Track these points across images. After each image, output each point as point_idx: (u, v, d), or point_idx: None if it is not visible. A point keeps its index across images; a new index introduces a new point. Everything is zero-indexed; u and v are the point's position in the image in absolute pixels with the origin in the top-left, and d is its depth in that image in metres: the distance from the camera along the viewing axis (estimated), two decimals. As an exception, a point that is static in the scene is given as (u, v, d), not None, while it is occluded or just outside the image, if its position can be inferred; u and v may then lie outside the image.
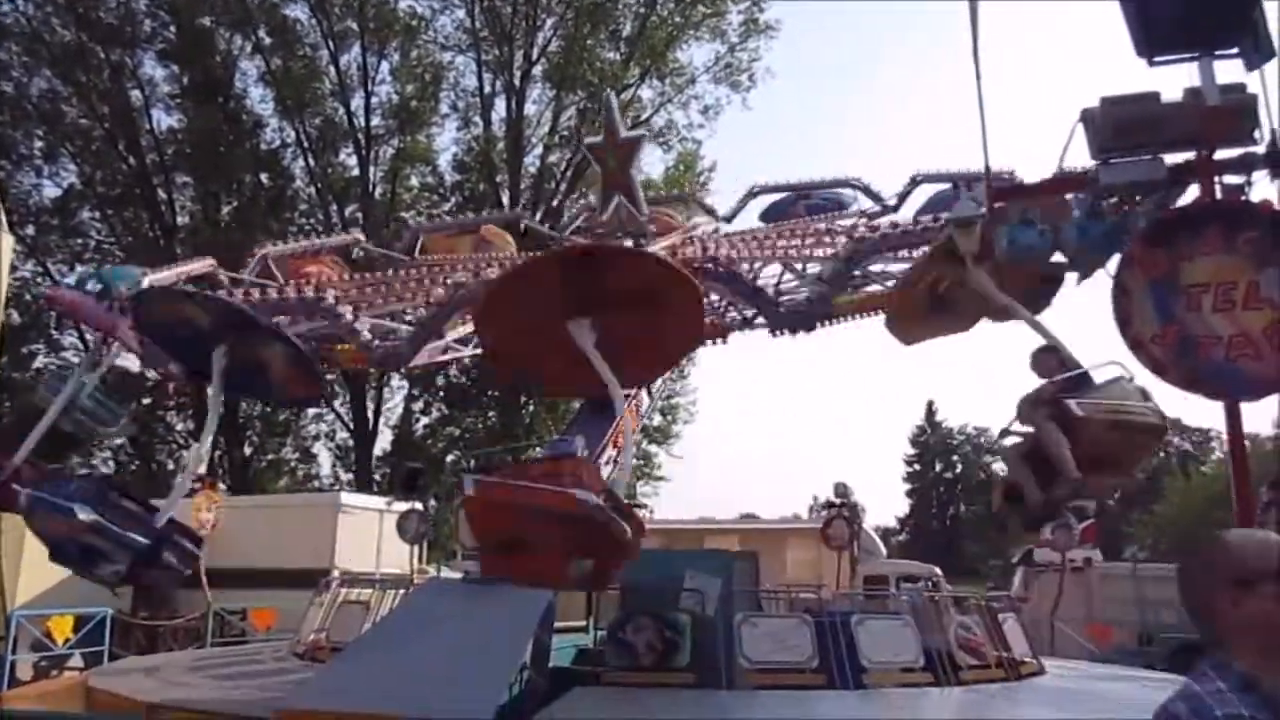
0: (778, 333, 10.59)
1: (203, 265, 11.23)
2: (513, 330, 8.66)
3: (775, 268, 11.69)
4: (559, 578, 7.96)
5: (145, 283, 9.76)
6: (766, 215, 14.54)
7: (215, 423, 9.50)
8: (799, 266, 11.43)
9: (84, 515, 7.75)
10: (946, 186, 12.80)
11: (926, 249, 8.72)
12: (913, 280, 8.90)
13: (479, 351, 11.92)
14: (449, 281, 10.80)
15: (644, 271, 8.03)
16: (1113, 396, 6.89)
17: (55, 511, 7.93)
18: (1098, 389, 7.01)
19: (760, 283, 10.55)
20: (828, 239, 11.29)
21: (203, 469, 18.72)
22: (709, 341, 12.19)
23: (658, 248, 12.16)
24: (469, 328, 11.42)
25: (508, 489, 7.39)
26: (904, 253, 10.43)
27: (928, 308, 8.78)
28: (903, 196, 12.80)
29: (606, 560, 7.54)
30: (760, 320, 11.34)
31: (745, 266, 10.62)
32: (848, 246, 10.19)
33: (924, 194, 13.02)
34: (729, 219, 13.50)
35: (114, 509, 8.14)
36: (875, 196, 13.37)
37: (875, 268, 11.00)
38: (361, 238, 14.00)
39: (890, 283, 10.72)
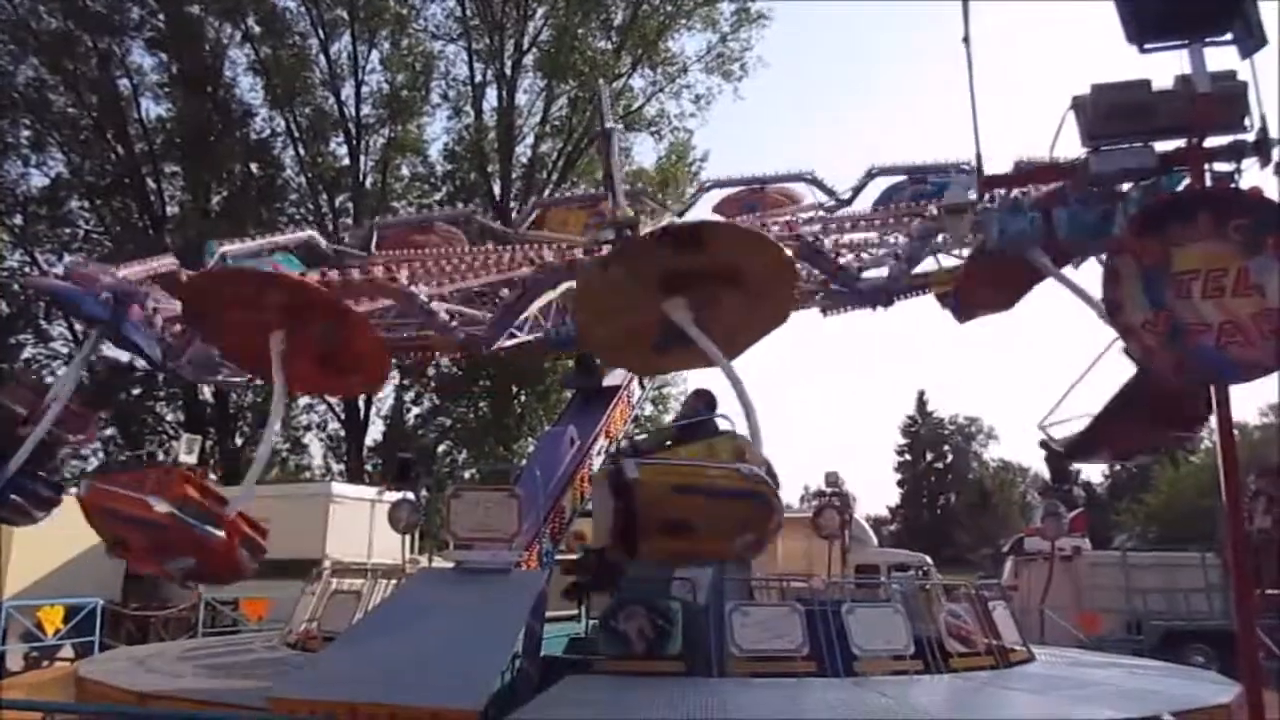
0: (830, 312, 10.70)
1: (166, 263, 11.04)
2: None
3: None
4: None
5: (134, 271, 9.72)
6: (719, 209, 14.71)
7: (281, 411, 9.26)
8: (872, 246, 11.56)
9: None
10: (901, 179, 12.91)
11: None
12: (580, 297, 8.89)
13: (534, 336, 11.80)
14: (538, 261, 10.69)
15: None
16: (699, 456, 7.01)
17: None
18: (685, 445, 7.13)
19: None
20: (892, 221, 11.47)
21: (193, 459, 18.67)
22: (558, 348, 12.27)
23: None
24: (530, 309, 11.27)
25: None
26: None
27: (631, 339, 8.78)
28: (857, 190, 12.88)
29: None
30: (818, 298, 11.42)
31: (828, 244, 10.67)
32: (920, 226, 10.30)
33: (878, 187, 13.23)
34: (848, 200, 13.53)
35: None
36: (828, 190, 13.46)
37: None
38: (316, 234, 13.81)
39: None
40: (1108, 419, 7.54)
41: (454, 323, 10.26)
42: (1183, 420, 7.55)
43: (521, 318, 10.99)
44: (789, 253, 8.06)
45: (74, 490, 9.36)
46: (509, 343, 11.26)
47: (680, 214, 13.79)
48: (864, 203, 13.47)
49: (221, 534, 7.90)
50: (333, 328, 8.54)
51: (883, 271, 10.44)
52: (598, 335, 9.02)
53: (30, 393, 9.76)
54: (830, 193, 14.05)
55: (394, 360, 11.62)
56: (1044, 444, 8.03)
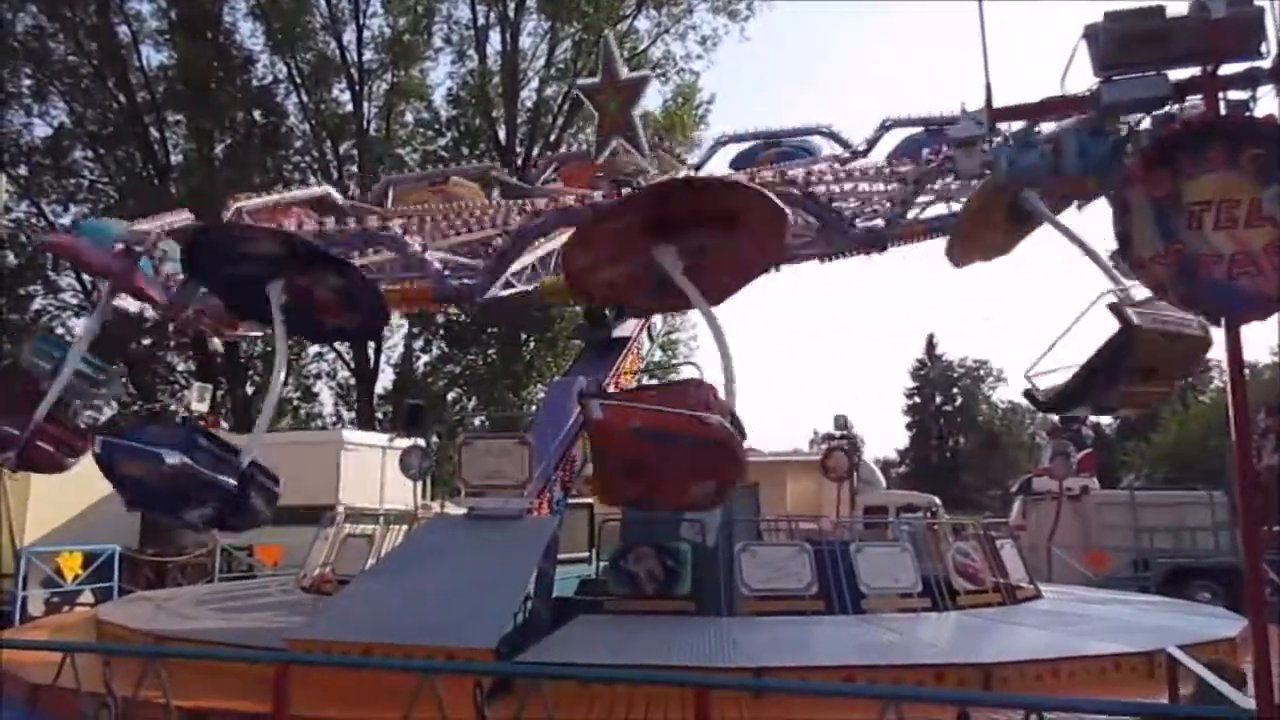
0: (826, 260, 10.69)
1: (181, 218, 11.09)
2: (599, 259, 8.47)
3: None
4: (683, 500, 8.04)
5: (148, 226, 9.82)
6: (735, 164, 14.53)
7: (284, 360, 9.34)
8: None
9: (172, 460, 7.62)
10: (918, 130, 12.75)
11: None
12: (973, 206, 8.93)
13: (530, 287, 11.81)
14: (527, 210, 10.79)
15: (734, 197, 7.90)
16: (1162, 308, 6.98)
17: (139, 458, 7.79)
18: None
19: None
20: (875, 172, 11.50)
21: (205, 408, 18.80)
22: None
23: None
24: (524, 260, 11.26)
25: (639, 413, 7.29)
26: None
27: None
28: (872, 142, 12.74)
29: (726, 481, 7.48)
30: (812, 249, 11.37)
31: (821, 190, 10.65)
32: (914, 171, 10.25)
33: (895, 139, 13.06)
34: (864, 152, 13.42)
35: (201, 452, 8.03)
36: (843, 143, 13.32)
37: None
38: (331, 189, 13.79)
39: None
40: (1090, 373, 7.59)
41: (446, 272, 10.30)
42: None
43: (521, 267, 11.02)
44: (778, 200, 7.99)
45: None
46: (504, 292, 11.26)
47: (696, 168, 13.61)
48: (881, 155, 13.36)
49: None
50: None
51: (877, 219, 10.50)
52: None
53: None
54: (845, 145, 13.92)
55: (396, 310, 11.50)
56: (1028, 394, 8.07)
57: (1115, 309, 7.05)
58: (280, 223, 11.88)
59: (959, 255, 9.44)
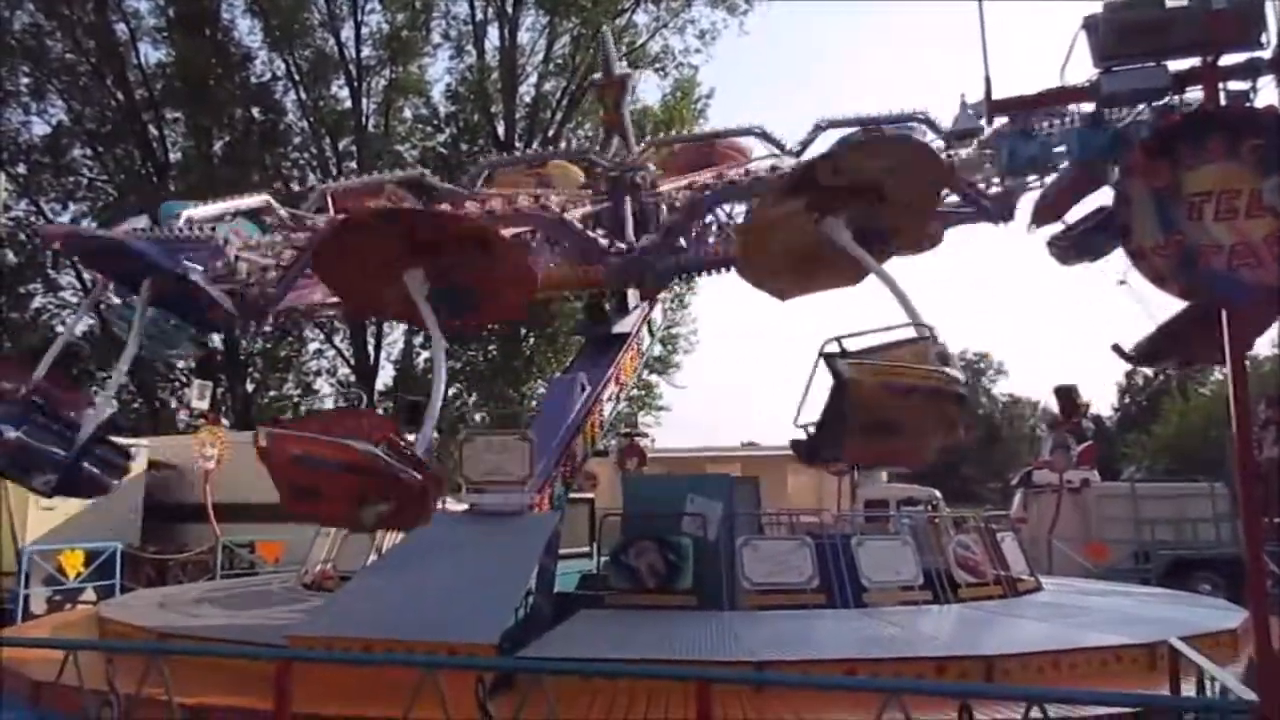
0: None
1: (257, 200, 11.38)
2: (355, 276, 8.79)
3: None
4: (351, 522, 8.32)
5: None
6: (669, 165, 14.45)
7: (442, 349, 8.90)
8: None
9: (10, 434, 8.26)
10: (853, 130, 12.69)
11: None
12: (754, 225, 8.78)
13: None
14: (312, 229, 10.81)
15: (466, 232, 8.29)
16: (900, 359, 7.02)
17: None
18: (882, 349, 7.14)
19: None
20: None
21: (205, 405, 18.80)
22: (715, 270, 12.23)
23: (670, 186, 12.08)
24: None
25: (296, 440, 7.56)
26: None
27: (788, 262, 8.65)
28: (805, 143, 12.65)
29: (401, 505, 7.54)
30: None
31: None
32: (689, 196, 10.18)
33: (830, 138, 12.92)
34: (797, 153, 13.33)
35: (37, 427, 8.58)
36: (777, 144, 13.17)
37: None
38: (270, 200, 13.65)
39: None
40: (1175, 327, 7.57)
41: (612, 249, 10.10)
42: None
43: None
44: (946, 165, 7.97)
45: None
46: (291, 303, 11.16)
47: (797, 154, 13.43)
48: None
49: (419, 476, 7.70)
50: (475, 259, 8.39)
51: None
52: (758, 262, 8.97)
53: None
54: (780, 146, 13.78)
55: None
56: (1115, 347, 8.03)
57: (828, 360, 7.01)
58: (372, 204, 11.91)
59: (763, 284, 9.15)
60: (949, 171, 7.94)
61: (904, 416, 7.20)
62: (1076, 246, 8.37)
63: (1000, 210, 10.24)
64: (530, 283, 9.16)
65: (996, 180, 10.13)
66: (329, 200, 13.22)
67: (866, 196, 7.84)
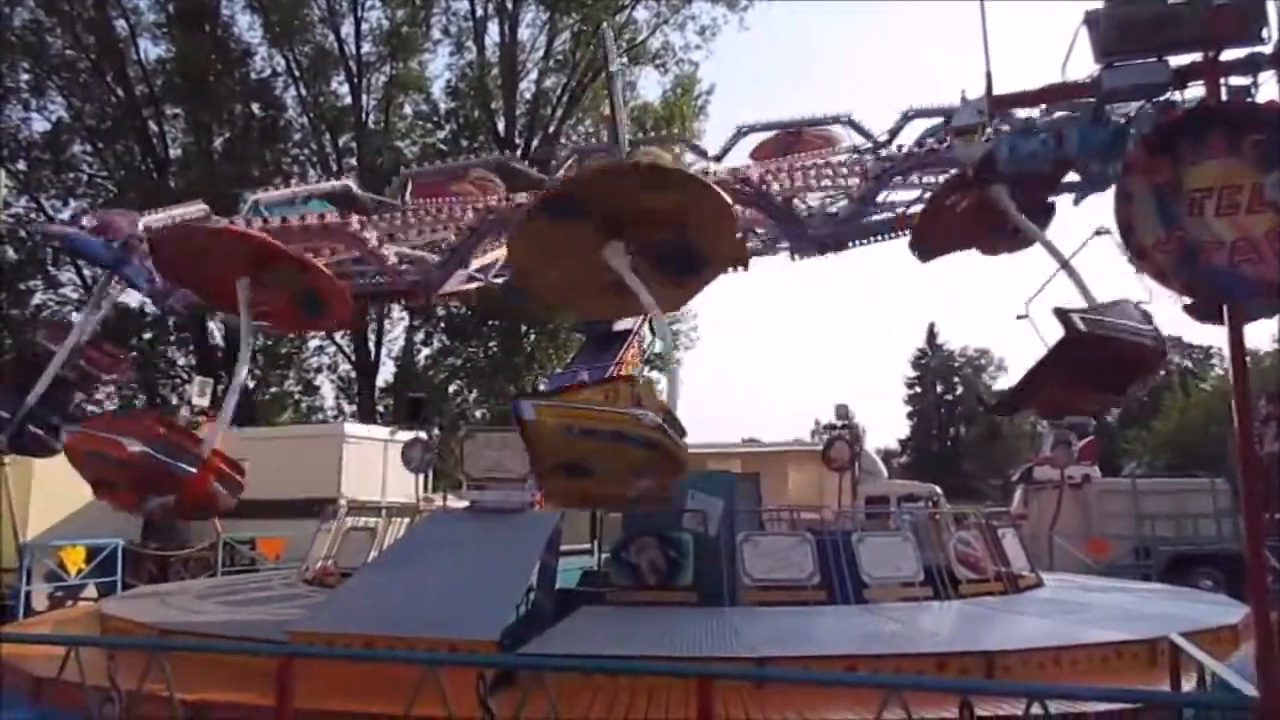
0: (798, 256, 10.66)
1: (194, 210, 11.42)
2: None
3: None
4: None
5: (142, 224, 10.05)
6: (757, 154, 14.40)
7: (249, 348, 9.81)
8: (817, 192, 11.49)
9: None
10: (939, 120, 12.66)
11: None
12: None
13: (500, 279, 11.95)
14: (479, 207, 11.05)
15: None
16: (592, 400, 7.17)
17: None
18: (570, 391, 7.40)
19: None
20: (846, 168, 11.32)
21: (206, 402, 18.79)
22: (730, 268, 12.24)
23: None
24: (493, 255, 11.38)
25: (86, 437, 8.02)
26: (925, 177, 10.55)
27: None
28: (894, 132, 12.62)
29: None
30: (781, 245, 11.35)
31: (775, 188, 10.65)
32: (876, 165, 10.22)
33: (917, 129, 12.90)
34: (719, 158, 13.32)
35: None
36: (865, 133, 13.18)
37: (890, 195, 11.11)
38: (351, 183, 14.00)
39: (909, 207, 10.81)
40: (1036, 378, 7.81)
41: (403, 266, 10.78)
42: (1111, 385, 7.91)
43: (487, 261, 11.51)
44: (725, 196, 8.00)
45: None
46: (463, 287, 11.68)
47: (718, 158, 13.46)
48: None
49: (194, 470, 8.23)
50: (292, 273, 9.00)
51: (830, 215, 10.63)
52: (537, 282, 9.15)
53: (64, 333, 10.15)
54: (867, 135, 13.72)
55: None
56: (978, 398, 8.37)
57: (515, 403, 7.25)
58: (454, 192, 12.07)
59: (921, 252, 9.50)
60: (732, 211, 8.11)
61: (590, 459, 7.19)
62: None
63: (822, 240, 10.35)
64: (340, 295, 9.51)
65: (842, 207, 10.41)
66: (408, 186, 13.66)
67: (658, 226, 7.85)
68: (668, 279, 8.52)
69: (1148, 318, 8.04)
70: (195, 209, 11.38)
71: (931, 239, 9.41)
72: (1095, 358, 7.68)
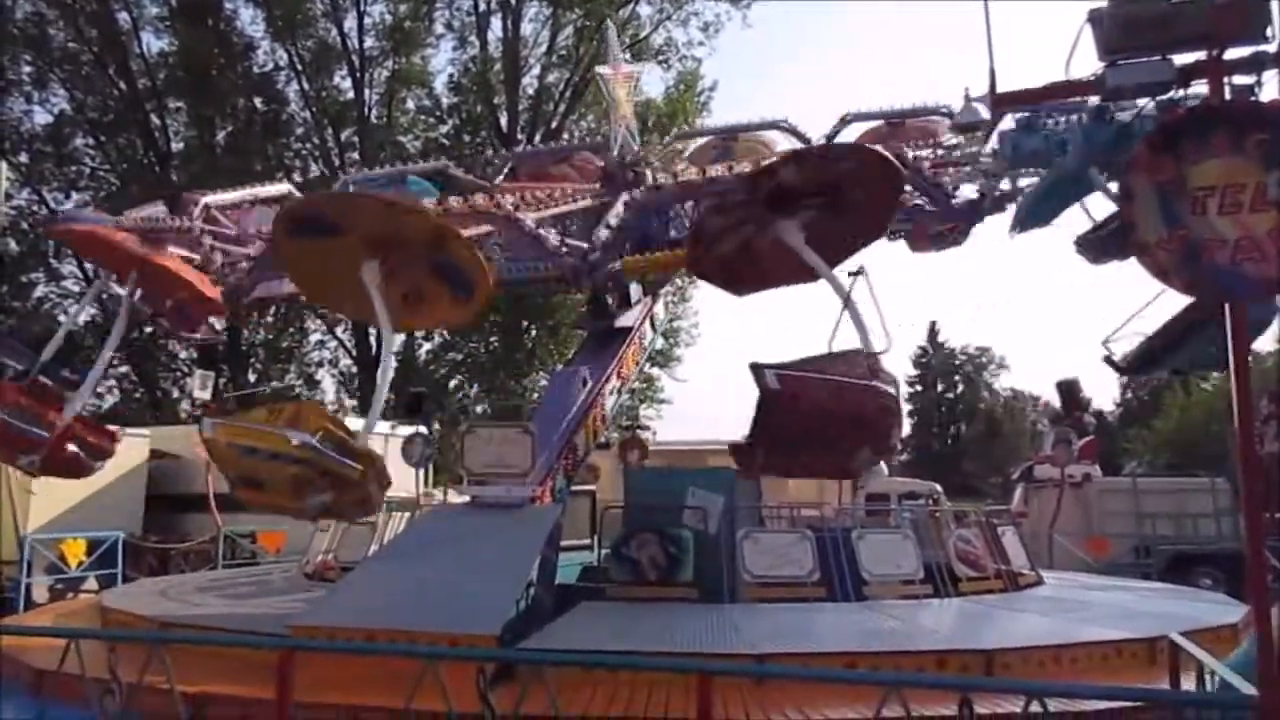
0: (894, 237, 10.98)
1: (279, 189, 11.77)
2: (718, 235, 8.79)
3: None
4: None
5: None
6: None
7: (392, 340, 9.11)
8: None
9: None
10: (880, 124, 12.59)
11: None
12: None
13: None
14: (645, 187, 10.96)
15: (856, 165, 8.18)
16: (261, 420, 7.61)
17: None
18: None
19: None
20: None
21: (208, 395, 18.82)
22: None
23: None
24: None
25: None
26: None
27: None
28: (830, 137, 12.55)
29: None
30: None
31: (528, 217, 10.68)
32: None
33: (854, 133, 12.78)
34: (829, 140, 13.22)
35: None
36: (802, 137, 13.04)
37: None
38: (451, 164, 13.84)
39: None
40: (1167, 336, 7.65)
41: (564, 250, 10.08)
42: (836, 445, 7.78)
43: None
44: (900, 167, 8.16)
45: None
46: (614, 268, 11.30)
47: (829, 139, 13.28)
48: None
49: (48, 435, 8.85)
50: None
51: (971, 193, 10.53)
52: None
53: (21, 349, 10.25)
54: (803, 138, 13.66)
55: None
56: (1107, 359, 8.11)
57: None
58: (555, 177, 12.22)
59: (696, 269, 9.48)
60: (903, 178, 8.15)
61: (259, 474, 7.75)
62: (1105, 246, 8.36)
63: (969, 213, 10.40)
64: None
65: (981, 181, 10.29)
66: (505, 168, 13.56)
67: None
68: (450, 296, 8.82)
69: (875, 371, 7.72)
70: (280, 188, 11.65)
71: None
72: (805, 415, 7.43)
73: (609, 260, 10.60)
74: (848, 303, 8.05)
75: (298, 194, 12.34)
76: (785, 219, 8.17)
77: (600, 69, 13.95)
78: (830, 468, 8.53)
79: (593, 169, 13.19)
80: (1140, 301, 7.87)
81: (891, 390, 7.38)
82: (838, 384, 7.30)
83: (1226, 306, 4.53)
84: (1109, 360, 8.16)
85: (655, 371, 32.00)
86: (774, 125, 13.57)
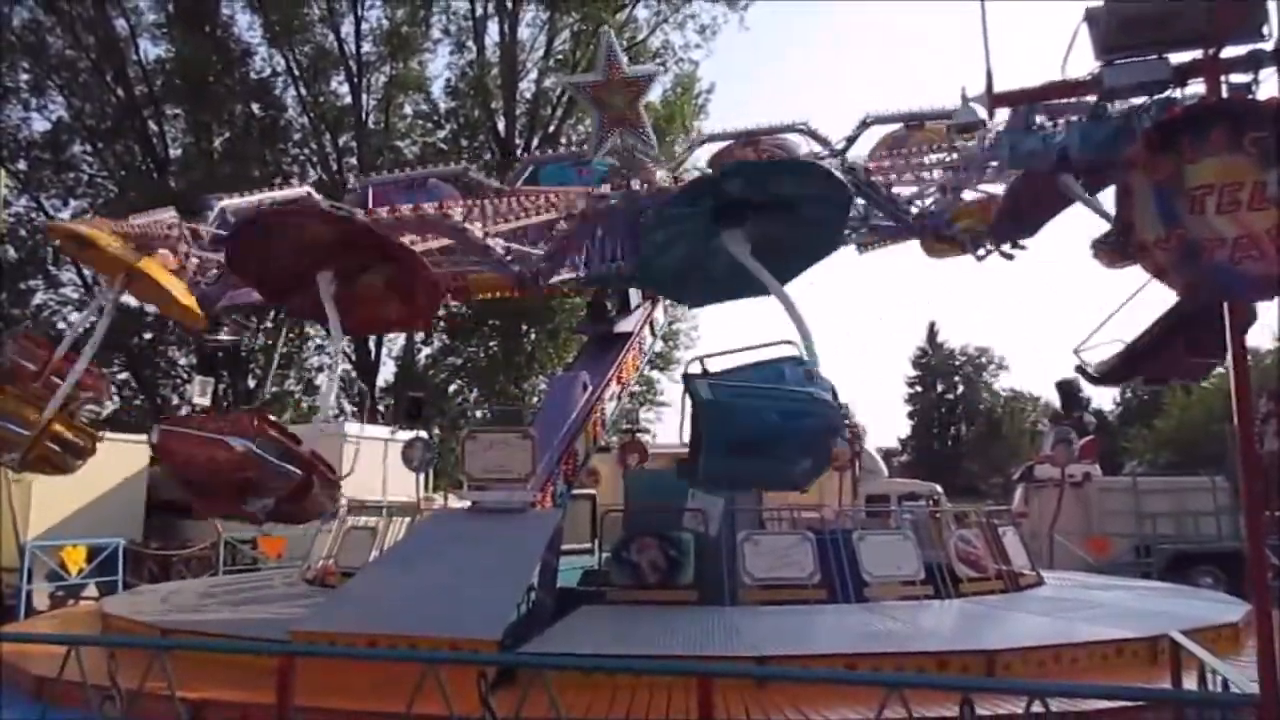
0: (865, 249, 10.83)
1: (299, 191, 11.80)
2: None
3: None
4: (243, 515, 8.81)
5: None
6: (710, 163, 14.22)
7: (340, 348, 9.70)
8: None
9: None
10: (898, 127, 12.57)
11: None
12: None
13: (583, 274, 12.03)
14: (595, 193, 11.13)
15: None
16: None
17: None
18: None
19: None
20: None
21: (207, 402, 18.80)
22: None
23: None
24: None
25: (181, 438, 8.16)
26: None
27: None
28: (851, 140, 12.54)
29: (285, 499, 8.26)
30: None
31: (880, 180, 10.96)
32: (964, 158, 10.32)
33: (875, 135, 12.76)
34: (844, 150, 13.17)
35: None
36: (823, 140, 13.03)
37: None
38: (472, 168, 13.93)
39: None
40: (1144, 345, 7.67)
41: (509, 258, 10.41)
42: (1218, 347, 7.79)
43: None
44: (846, 183, 8.22)
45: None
46: (568, 276, 11.65)
47: (843, 150, 13.24)
48: (862, 152, 13.00)
49: (300, 473, 8.25)
50: (384, 264, 8.74)
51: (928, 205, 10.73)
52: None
53: (38, 347, 10.07)
54: (825, 143, 13.55)
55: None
56: (1079, 369, 8.09)
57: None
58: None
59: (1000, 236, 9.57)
60: (850, 195, 8.56)
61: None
62: (1124, 250, 8.39)
63: (922, 227, 10.59)
64: (433, 289, 9.55)
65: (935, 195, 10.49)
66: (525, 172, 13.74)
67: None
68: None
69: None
70: (300, 190, 11.73)
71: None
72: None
73: (555, 270, 10.94)
74: (791, 311, 8.11)
75: (316, 196, 12.61)
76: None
77: (574, 78, 14.09)
78: (219, 508, 9.03)
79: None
80: (1114, 306, 7.99)
81: (251, 446, 7.68)
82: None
83: (1225, 305, 4.53)
84: (1081, 370, 8.15)
85: (655, 374, 32.02)
86: (793, 129, 13.53)
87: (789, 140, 13.38)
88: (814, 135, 12.89)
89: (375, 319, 10.17)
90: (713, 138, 13.33)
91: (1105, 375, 8.13)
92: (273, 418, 10.08)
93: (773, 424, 7.36)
